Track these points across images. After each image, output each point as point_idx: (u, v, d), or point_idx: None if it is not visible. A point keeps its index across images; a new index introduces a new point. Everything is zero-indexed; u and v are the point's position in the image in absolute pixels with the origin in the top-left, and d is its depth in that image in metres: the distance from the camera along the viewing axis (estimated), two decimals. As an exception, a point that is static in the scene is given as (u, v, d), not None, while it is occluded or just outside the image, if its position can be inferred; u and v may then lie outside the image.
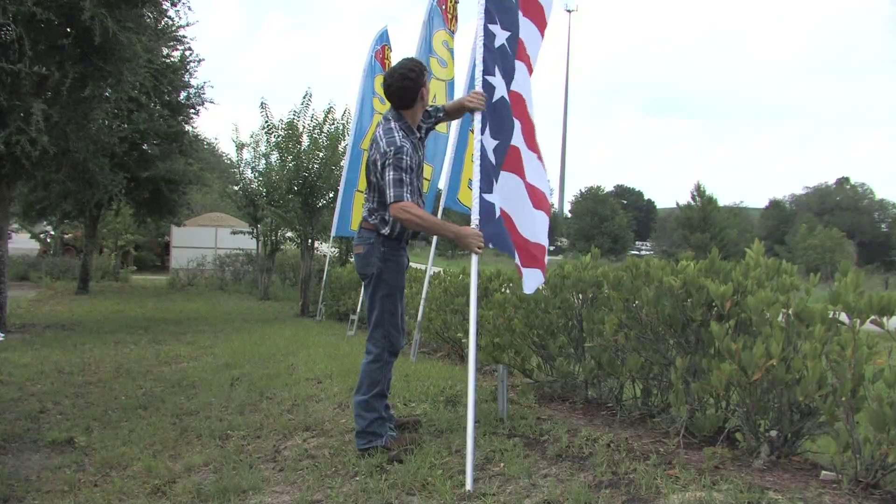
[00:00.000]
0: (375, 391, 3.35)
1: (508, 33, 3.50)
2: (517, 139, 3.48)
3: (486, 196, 3.19)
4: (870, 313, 2.54)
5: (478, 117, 3.28)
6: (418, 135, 3.47)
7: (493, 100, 3.33)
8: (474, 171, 3.20)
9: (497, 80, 3.37)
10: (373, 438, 3.32)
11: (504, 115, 3.39)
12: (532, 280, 3.42)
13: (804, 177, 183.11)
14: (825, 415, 2.64)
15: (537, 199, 3.58)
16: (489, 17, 3.40)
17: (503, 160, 3.37)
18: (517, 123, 3.49)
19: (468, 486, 2.77)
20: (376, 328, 3.39)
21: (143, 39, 8.88)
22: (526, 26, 3.66)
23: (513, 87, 3.51)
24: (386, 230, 3.36)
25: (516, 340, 4.51)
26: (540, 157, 3.68)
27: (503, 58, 3.45)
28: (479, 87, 3.32)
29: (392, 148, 3.22)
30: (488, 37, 3.38)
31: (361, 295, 8.26)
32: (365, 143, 9.28)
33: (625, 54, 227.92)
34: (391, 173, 3.20)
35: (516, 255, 3.31)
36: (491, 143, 3.30)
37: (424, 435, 3.53)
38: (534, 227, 3.52)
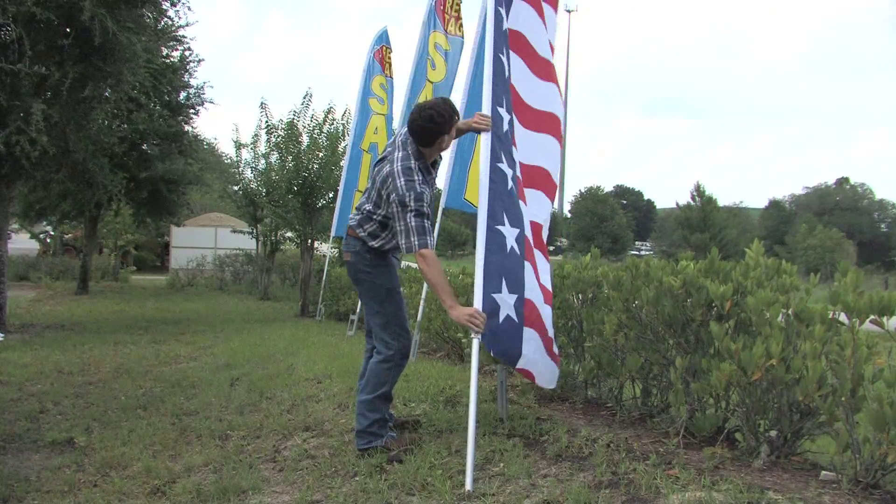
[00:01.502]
0: (381, 392, 3.36)
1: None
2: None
3: (499, 227, 3.15)
4: (869, 313, 2.54)
5: (486, 142, 3.25)
6: (433, 174, 3.47)
7: (504, 129, 3.36)
8: (481, 201, 3.15)
9: (504, 113, 3.39)
10: (373, 438, 3.32)
11: (509, 145, 3.42)
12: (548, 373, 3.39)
13: (804, 177, 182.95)
14: (825, 415, 2.64)
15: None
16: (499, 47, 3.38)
17: (517, 190, 3.39)
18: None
19: (468, 486, 2.77)
20: (384, 330, 3.40)
21: (143, 39, 8.89)
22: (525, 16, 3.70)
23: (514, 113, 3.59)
24: (374, 244, 3.38)
25: (516, 340, 4.51)
26: (542, 189, 3.80)
27: (506, 84, 3.48)
28: (486, 109, 3.30)
29: (412, 194, 3.17)
30: (498, 64, 3.37)
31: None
32: (365, 143, 9.28)
33: (625, 54, 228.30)
34: (414, 220, 3.17)
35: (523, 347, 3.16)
36: (509, 172, 3.31)
37: (424, 435, 3.53)
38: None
